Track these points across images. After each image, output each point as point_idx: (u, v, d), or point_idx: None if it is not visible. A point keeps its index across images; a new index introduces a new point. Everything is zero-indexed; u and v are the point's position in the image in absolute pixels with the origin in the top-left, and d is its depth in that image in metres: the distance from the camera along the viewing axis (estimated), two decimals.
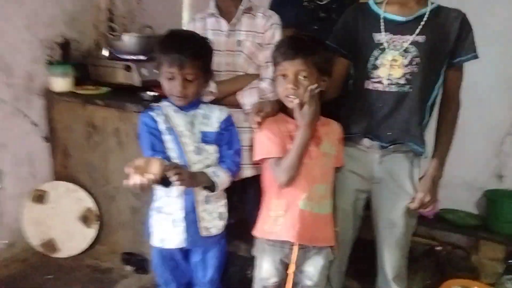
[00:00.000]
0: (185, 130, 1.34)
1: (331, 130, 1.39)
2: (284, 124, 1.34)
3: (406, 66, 1.34)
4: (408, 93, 1.36)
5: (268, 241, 1.37)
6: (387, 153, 1.43)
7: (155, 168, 1.13)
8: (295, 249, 1.33)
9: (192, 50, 1.28)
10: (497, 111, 2.23)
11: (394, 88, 1.37)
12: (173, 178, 1.18)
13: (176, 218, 1.35)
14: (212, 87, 1.49)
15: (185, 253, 1.44)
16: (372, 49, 1.38)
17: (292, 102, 1.29)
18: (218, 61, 1.52)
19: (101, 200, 2.09)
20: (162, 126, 1.34)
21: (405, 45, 1.34)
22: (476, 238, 2.24)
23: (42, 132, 2.19)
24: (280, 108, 1.38)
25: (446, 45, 1.35)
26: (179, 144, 1.33)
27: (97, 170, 2.06)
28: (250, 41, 1.54)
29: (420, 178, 1.44)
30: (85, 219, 2.08)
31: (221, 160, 1.39)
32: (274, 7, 1.81)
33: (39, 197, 2.09)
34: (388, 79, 1.37)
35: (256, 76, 1.57)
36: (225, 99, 1.55)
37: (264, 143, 1.34)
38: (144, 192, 1.13)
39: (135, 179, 1.11)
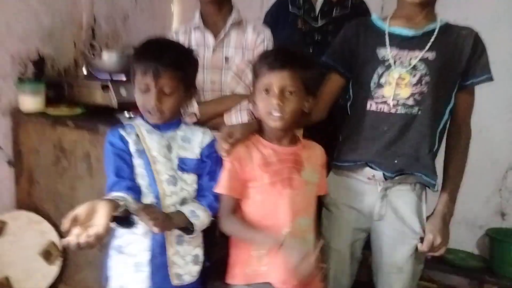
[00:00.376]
0: (159, 155, 1.15)
1: (314, 154, 1.23)
2: (258, 148, 1.18)
3: (415, 85, 1.21)
4: (417, 115, 1.22)
5: (248, 286, 1.17)
6: (391, 185, 1.27)
7: (101, 218, 0.89)
8: None
9: (170, 58, 1.11)
10: (499, 143, 2.11)
11: (401, 110, 1.23)
12: (149, 222, 0.98)
13: (140, 261, 1.14)
14: (195, 108, 1.33)
15: None
16: (375, 66, 1.25)
17: (275, 121, 1.13)
18: (202, 79, 1.39)
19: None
20: (132, 148, 1.14)
21: (414, 61, 1.21)
22: (479, 282, 2.07)
23: (6, 156, 1.98)
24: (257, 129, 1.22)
25: (458, 64, 1.23)
26: (151, 171, 1.13)
27: (64, 199, 1.85)
28: (239, 57, 1.40)
29: (428, 216, 1.28)
30: (47, 254, 1.85)
31: (200, 194, 1.19)
32: None
33: None
34: (394, 99, 1.22)
35: (245, 97, 1.42)
36: (210, 122, 1.39)
37: (223, 176, 1.17)
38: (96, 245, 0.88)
39: (77, 237, 0.85)
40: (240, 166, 1.16)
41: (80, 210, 0.90)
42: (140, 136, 1.15)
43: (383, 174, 1.26)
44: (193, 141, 1.20)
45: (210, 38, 1.42)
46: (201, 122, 1.37)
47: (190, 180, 1.18)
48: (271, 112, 1.13)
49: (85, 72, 2.14)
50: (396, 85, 1.22)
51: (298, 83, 1.13)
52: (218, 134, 1.26)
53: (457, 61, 1.23)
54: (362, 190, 1.31)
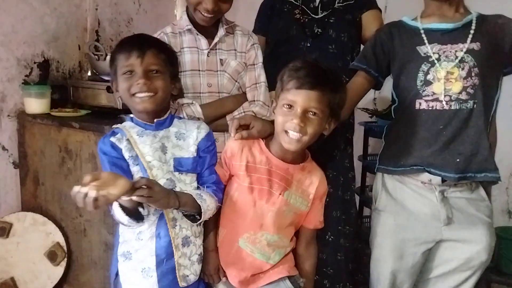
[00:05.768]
0: (154, 160, 1.08)
1: (309, 181, 1.16)
2: (253, 150, 1.15)
3: (465, 78, 1.18)
4: (473, 109, 1.19)
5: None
6: (447, 188, 1.24)
7: (118, 188, 0.89)
8: None
9: (152, 40, 1.12)
10: (505, 142, 2.09)
11: (455, 105, 1.19)
12: (137, 193, 0.94)
13: (147, 266, 1.10)
14: (198, 113, 1.32)
15: None
16: (419, 64, 1.22)
17: (289, 143, 1.07)
18: (198, 82, 1.35)
19: (72, 235, 1.87)
20: (126, 155, 1.08)
21: (460, 54, 1.19)
22: (486, 281, 2.04)
23: (12, 158, 2.00)
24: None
25: (502, 53, 1.21)
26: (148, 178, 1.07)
27: (69, 200, 1.84)
28: (233, 60, 1.38)
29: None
30: (53, 255, 1.85)
31: (204, 186, 1.16)
32: (260, 19, 1.66)
33: (2, 230, 1.85)
34: (446, 95, 1.19)
35: (244, 96, 1.40)
36: (213, 124, 1.38)
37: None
38: (93, 209, 0.89)
39: (90, 192, 0.86)
40: (229, 159, 1.16)
41: (105, 175, 0.91)
42: (132, 140, 1.09)
43: (442, 179, 1.21)
44: (188, 137, 1.14)
45: (203, 42, 1.36)
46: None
47: (188, 180, 1.14)
48: (288, 130, 1.07)
49: (89, 74, 2.15)
50: (446, 80, 1.18)
51: (324, 106, 1.06)
52: (238, 118, 1.27)
53: (500, 50, 1.21)
54: (419, 195, 1.27)
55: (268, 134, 1.19)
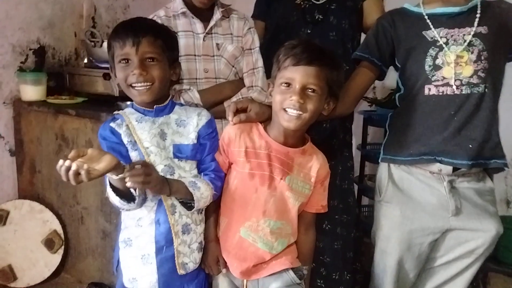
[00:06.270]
0: (152, 146, 1.08)
1: (310, 164, 1.14)
2: (252, 135, 1.13)
3: (475, 62, 1.16)
4: (485, 94, 1.17)
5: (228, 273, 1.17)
6: (455, 178, 1.22)
7: (102, 164, 0.88)
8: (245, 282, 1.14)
9: (148, 25, 1.08)
10: (504, 130, 2.08)
11: (466, 90, 1.17)
12: (127, 175, 0.92)
13: (147, 253, 1.09)
14: (196, 99, 1.30)
15: None
16: (426, 49, 1.20)
17: (288, 121, 1.05)
18: (195, 68, 1.32)
19: (69, 222, 1.87)
20: (125, 140, 1.08)
21: (468, 38, 1.17)
22: (484, 270, 2.05)
23: (8, 145, 1.99)
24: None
25: (507, 37, 1.20)
26: None
27: (65, 188, 1.84)
28: (231, 44, 1.35)
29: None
30: (50, 243, 1.85)
31: (202, 173, 1.15)
32: (260, 3, 1.61)
33: None
34: (457, 79, 1.17)
35: (242, 82, 1.38)
36: (211, 111, 1.37)
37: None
38: (76, 184, 0.89)
39: (72, 165, 0.86)
40: (227, 146, 1.14)
41: (89, 151, 0.90)
42: (130, 126, 1.09)
43: (454, 167, 1.19)
44: (188, 124, 1.12)
45: (199, 26, 1.32)
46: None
47: (188, 167, 1.12)
48: (286, 108, 1.05)
49: (86, 61, 2.13)
50: (455, 64, 1.16)
51: (322, 83, 1.05)
52: (234, 101, 1.24)
53: (506, 34, 1.20)
54: (426, 185, 1.25)
55: (266, 117, 1.17)
